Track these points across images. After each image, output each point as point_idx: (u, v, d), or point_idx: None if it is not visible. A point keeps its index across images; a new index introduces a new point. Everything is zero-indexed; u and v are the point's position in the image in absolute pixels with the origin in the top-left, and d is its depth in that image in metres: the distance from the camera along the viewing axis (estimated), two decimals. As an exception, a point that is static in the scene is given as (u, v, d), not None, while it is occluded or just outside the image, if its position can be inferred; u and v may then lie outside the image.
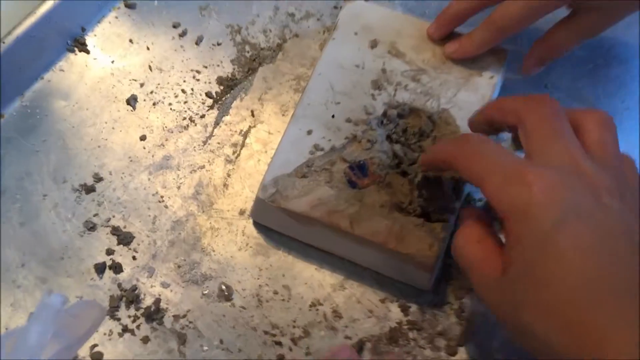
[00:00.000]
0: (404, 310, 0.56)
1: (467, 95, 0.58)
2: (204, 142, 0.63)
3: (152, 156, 0.62)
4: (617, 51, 0.68)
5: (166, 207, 0.60)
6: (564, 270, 0.33)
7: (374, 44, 0.61)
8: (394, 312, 0.56)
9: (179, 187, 0.61)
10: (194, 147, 0.62)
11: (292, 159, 0.56)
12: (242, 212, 0.60)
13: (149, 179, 0.60)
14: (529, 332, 0.35)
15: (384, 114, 0.58)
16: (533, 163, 0.40)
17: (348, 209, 0.54)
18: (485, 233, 0.44)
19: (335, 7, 0.69)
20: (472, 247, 0.44)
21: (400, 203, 0.56)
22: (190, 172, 0.61)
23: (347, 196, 0.55)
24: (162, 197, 0.60)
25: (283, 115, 0.64)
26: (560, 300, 0.33)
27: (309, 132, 0.57)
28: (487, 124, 0.48)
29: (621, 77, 0.66)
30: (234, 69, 0.66)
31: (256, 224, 0.59)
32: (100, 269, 0.56)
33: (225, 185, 0.61)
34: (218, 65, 0.66)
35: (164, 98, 0.64)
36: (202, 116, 0.64)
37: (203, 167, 0.62)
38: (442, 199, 0.54)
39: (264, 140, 0.63)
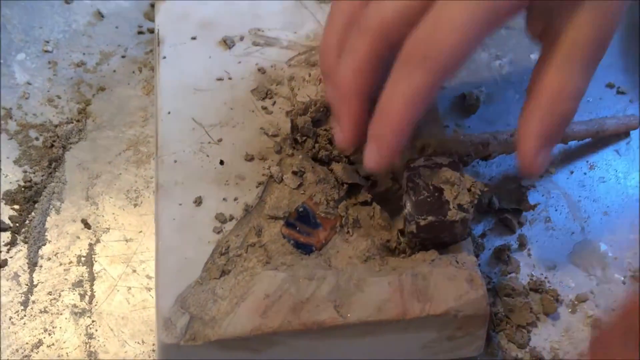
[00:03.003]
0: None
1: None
2: (24, 304, 0.36)
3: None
4: None
5: None
6: None
7: (229, 42, 0.39)
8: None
9: (10, 399, 0.33)
10: (10, 318, 0.35)
11: (191, 254, 0.32)
12: (140, 385, 0.34)
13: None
14: None
15: (294, 128, 0.36)
16: None
17: (320, 289, 0.31)
18: None
19: (141, 32, 0.46)
20: None
21: (387, 243, 0.34)
22: (21, 363, 0.34)
23: (308, 269, 0.32)
24: None
25: (135, 205, 0.39)
26: None
27: (197, 202, 0.34)
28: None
29: None
30: (24, 171, 0.40)
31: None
32: None
33: (92, 355, 0.34)
34: (-4, 177, 0.40)
35: None
36: (3, 263, 0.37)
37: (40, 343, 0.35)
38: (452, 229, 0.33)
39: (124, 254, 0.38)
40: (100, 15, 0.46)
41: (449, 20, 0.27)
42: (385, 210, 0.35)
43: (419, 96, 0.28)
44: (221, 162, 0.35)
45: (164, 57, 0.38)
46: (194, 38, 0.39)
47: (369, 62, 0.29)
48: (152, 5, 0.46)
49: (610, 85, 0.45)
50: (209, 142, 0.36)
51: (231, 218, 0.33)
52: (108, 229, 0.38)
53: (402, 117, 0.29)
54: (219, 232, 0.33)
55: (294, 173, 0.35)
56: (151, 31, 0.45)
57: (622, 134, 0.43)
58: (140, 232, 0.38)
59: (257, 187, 0.34)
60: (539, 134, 0.31)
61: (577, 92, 0.31)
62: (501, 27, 0.30)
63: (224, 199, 0.34)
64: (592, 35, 0.30)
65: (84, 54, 0.45)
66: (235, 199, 0.34)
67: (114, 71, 0.44)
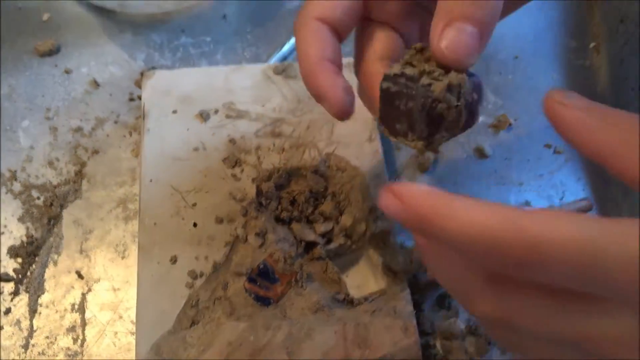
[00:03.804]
0: None
1: (346, 126, 0.44)
2: (25, 347, 0.41)
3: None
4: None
5: None
6: None
7: (205, 116, 0.45)
8: None
9: None
10: None
11: (166, 306, 0.38)
12: (124, 418, 0.39)
13: None
14: None
15: (259, 193, 0.42)
16: None
17: (276, 337, 0.37)
18: None
19: (132, 99, 0.52)
20: None
21: (336, 294, 0.39)
22: (22, 399, 0.39)
23: (265, 320, 0.37)
24: None
25: (123, 257, 0.45)
26: None
27: (173, 261, 0.39)
28: None
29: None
30: (27, 228, 0.45)
31: None
32: None
33: (83, 391, 0.40)
34: (2, 233, 0.45)
35: (-63, 312, 0.42)
36: (7, 311, 0.42)
37: (38, 382, 0.40)
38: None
39: (112, 302, 0.43)
40: (96, 84, 0.52)
41: None
42: (337, 264, 0.40)
43: None
44: (194, 225, 0.40)
45: (148, 130, 0.44)
46: (174, 112, 0.45)
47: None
48: (142, 74, 0.51)
49: (547, 146, 0.50)
50: (185, 206, 0.41)
51: (201, 274, 0.39)
52: (99, 279, 0.44)
53: None
54: (190, 287, 0.38)
55: (257, 234, 0.40)
56: (141, 98, 0.51)
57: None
58: (127, 282, 0.44)
59: (225, 246, 0.40)
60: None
61: None
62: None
63: (196, 258, 0.39)
64: None
65: (81, 120, 0.51)
66: (206, 257, 0.39)
67: (107, 135, 0.50)
